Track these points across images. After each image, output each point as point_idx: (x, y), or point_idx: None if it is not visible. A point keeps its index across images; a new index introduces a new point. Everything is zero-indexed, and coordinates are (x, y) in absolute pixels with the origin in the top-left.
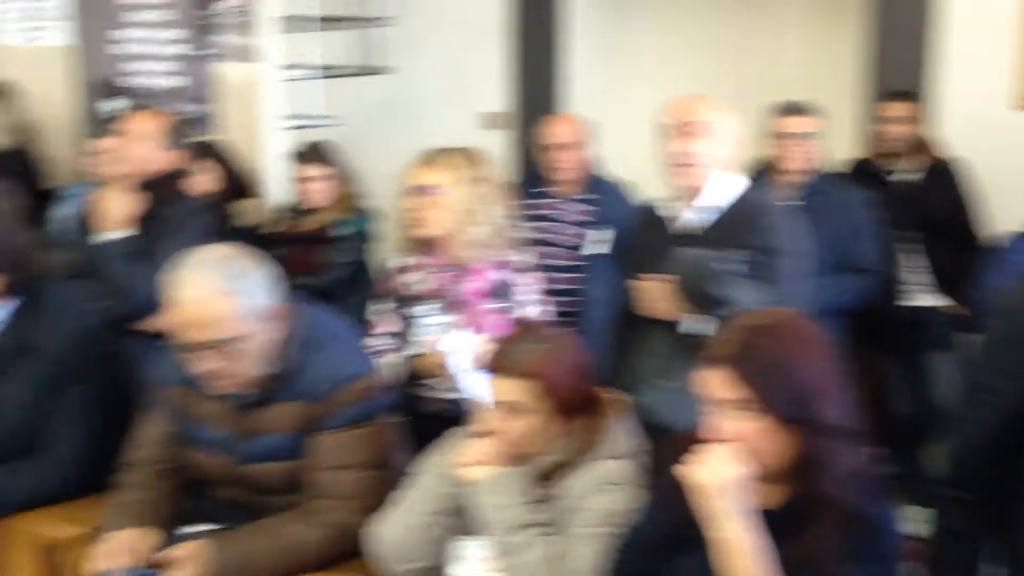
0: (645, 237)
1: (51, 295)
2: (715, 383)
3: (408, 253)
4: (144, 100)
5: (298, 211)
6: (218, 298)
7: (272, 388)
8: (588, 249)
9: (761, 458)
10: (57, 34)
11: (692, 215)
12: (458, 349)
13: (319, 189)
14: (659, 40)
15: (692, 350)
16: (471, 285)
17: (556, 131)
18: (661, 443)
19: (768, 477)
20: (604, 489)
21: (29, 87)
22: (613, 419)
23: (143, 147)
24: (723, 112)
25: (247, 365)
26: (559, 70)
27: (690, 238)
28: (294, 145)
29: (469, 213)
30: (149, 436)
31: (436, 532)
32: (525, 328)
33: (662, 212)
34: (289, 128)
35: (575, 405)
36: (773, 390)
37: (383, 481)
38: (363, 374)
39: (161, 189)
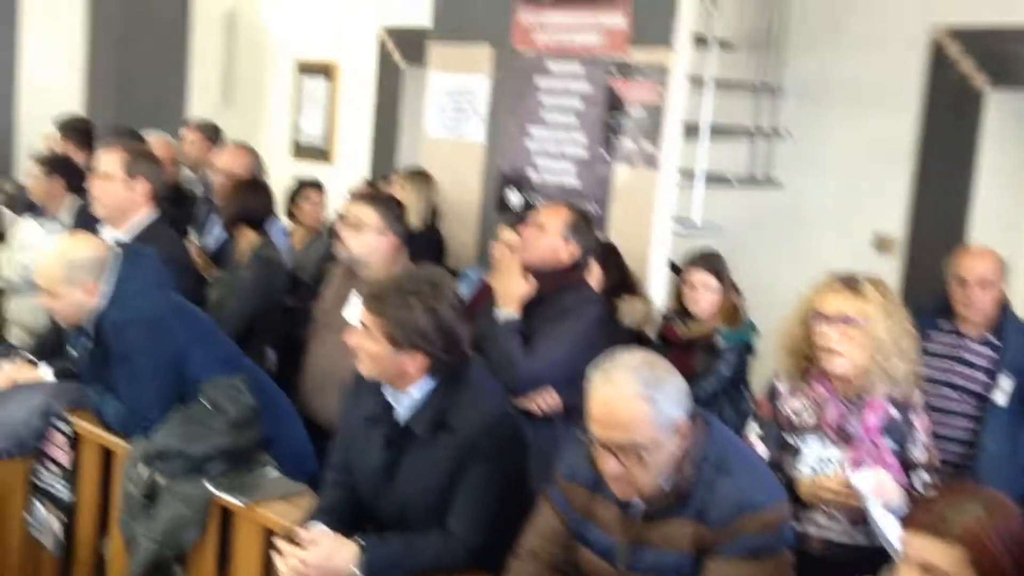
0: None
1: (469, 375)
2: None
3: (796, 377)
4: (546, 196)
5: (682, 316)
6: (636, 402)
7: (671, 503)
8: (991, 396)
9: None
10: (476, 130)
11: None
12: (866, 488)
13: (706, 297)
14: None
15: None
16: (867, 420)
17: (975, 265)
18: None
19: None
20: None
21: (446, 176)
22: None
23: (547, 237)
24: None
25: (650, 475)
26: (966, 197)
27: None
28: (682, 251)
29: (881, 347)
30: (544, 526)
31: None
32: (958, 485)
33: None
34: (676, 234)
35: None
36: None
37: None
38: (771, 504)
39: (558, 277)
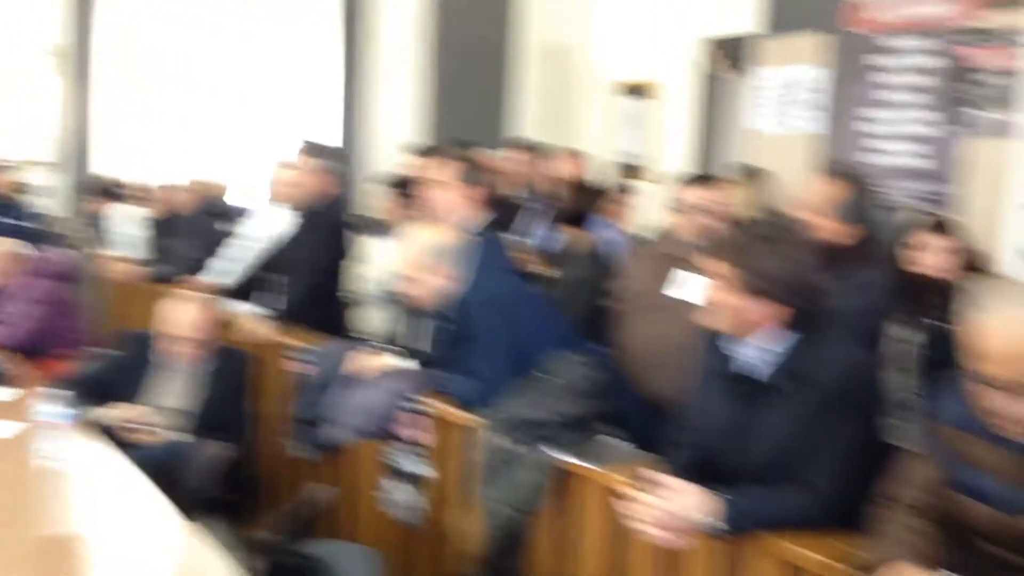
0: None
1: (828, 328)
2: None
3: None
4: (883, 179)
5: None
6: None
7: None
8: None
9: None
10: (807, 122)
11: None
12: None
13: None
14: None
15: None
16: None
17: None
18: None
19: None
20: None
21: (777, 171)
22: None
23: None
24: None
25: None
26: None
27: None
28: None
29: None
30: (916, 476)
31: None
32: None
33: None
34: None
35: None
36: None
37: None
38: None
39: (839, 259)
